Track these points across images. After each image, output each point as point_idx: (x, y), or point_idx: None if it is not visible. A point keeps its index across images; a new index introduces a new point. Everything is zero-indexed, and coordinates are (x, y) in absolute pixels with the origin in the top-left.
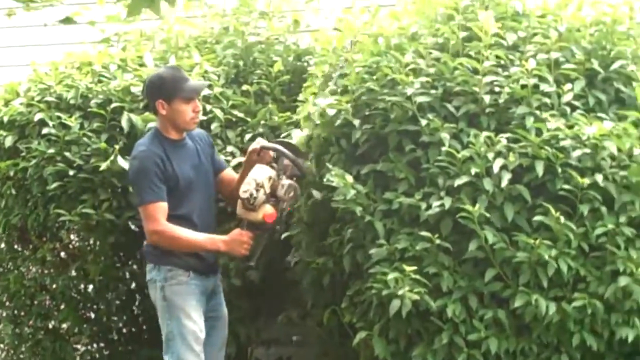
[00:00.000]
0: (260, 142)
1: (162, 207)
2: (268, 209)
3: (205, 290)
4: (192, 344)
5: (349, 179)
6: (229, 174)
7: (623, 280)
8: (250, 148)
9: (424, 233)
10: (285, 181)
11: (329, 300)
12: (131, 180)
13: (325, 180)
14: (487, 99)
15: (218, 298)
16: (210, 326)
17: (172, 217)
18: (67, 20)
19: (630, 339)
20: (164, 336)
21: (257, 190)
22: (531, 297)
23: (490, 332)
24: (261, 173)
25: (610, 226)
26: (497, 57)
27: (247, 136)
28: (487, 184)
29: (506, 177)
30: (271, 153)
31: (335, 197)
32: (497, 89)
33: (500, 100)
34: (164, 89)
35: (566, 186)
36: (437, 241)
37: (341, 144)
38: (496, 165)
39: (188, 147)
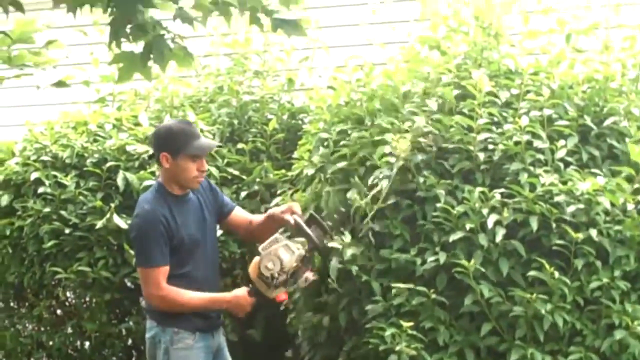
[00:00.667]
0: (297, 219)
1: (164, 271)
2: (282, 292)
3: (211, 350)
4: None
5: (347, 239)
6: (239, 215)
7: (619, 334)
8: (286, 215)
9: (420, 288)
10: (310, 275)
11: (325, 356)
12: (134, 239)
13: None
14: (481, 156)
15: (223, 354)
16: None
17: (174, 276)
18: (60, 84)
19: None
20: None
21: (279, 275)
22: (527, 351)
23: None
24: (290, 258)
25: (605, 280)
26: (491, 114)
27: (243, 193)
28: (482, 239)
29: (500, 232)
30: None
31: (332, 257)
32: (491, 146)
33: (495, 157)
34: (171, 142)
35: (560, 241)
36: (433, 296)
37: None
38: (490, 221)
39: (192, 202)
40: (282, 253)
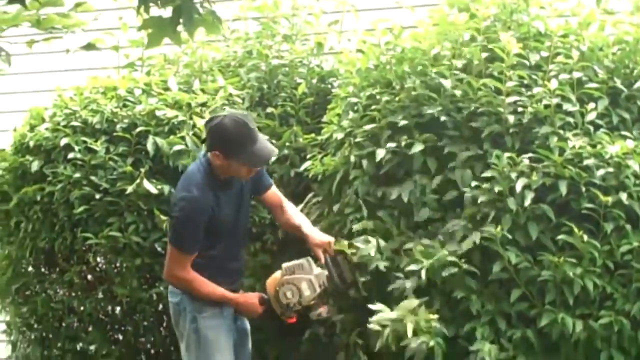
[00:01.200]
0: (327, 258)
1: (190, 258)
2: (292, 317)
3: (233, 313)
4: None
5: (373, 242)
6: (273, 196)
7: None
8: (319, 251)
9: (450, 258)
10: (324, 311)
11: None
12: (176, 219)
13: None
14: (511, 119)
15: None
16: (240, 338)
17: (201, 257)
18: (89, 47)
19: None
20: None
21: (295, 306)
22: (557, 316)
23: (519, 351)
24: (310, 294)
25: (635, 244)
26: (520, 77)
27: (272, 158)
28: (511, 203)
29: (529, 196)
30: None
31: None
32: (520, 109)
33: (524, 120)
34: (224, 145)
35: (590, 205)
36: (464, 265)
37: (363, 164)
38: (519, 185)
39: (234, 186)
40: (304, 287)
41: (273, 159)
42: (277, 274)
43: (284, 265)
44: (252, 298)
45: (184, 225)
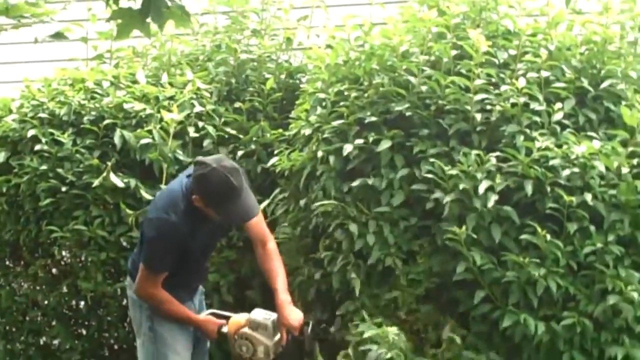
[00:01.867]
0: (307, 335)
1: (162, 276)
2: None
3: (191, 305)
4: None
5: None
6: (256, 227)
7: (612, 299)
8: (293, 323)
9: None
10: None
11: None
12: (148, 238)
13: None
14: (478, 117)
15: (202, 309)
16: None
17: (167, 277)
18: (58, 36)
19: (619, 357)
20: None
21: (254, 348)
22: (520, 317)
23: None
24: (265, 357)
25: (599, 245)
26: (488, 75)
27: (240, 153)
28: (476, 203)
29: (492, 198)
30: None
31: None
32: (488, 107)
33: (492, 119)
34: (206, 197)
35: (554, 205)
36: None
37: (330, 160)
38: (482, 187)
39: (214, 221)
40: (260, 351)
41: (198, 107)
42: (242, 319)
43: (251, 316)
44: (212, 325)
45: (155, 246)
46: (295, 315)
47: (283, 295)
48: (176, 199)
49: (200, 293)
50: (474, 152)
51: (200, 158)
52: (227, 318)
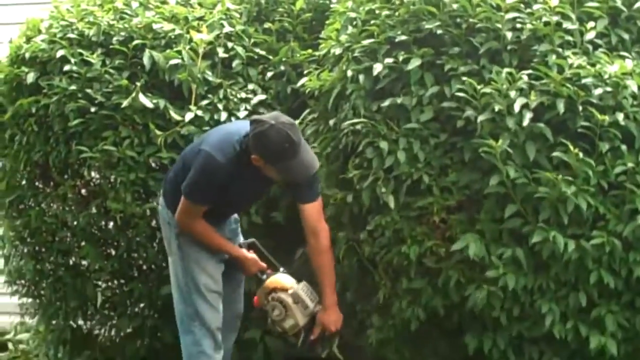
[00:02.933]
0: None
1: (202, 209)
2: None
3: (222, 234)
4: (207, 296)
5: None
6: (309, 212)
7: None
8: (329, 324)
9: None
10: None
11: (348, 236)
12: (195, 170)
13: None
14: (509, 35)
15: (236, 241)
16: (230, 267)
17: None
18: None
19: None
20: (175, 286)
21: (270, 319)
22: (549, 234)
23: (509, 269)
24: (289, 328)
25: (630, 165)
26: None
27: (269, 74)
28: (510, 122)
29: (528, 115)
30: None
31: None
32: (519, 26)
33: (523, 37)
34: (266, 154)
35: (586, 123)
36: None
37: (360, 79)
38: (517, 105)
39: (262, 174)
40: (287, 323)
41: (228, 28)
42: (287, 283)
43: (298, 289)
44: (255, 267)
45: (199, 179)
46: (335, 318)
47: (330, 296)
48: (230, 142)
49: (235, 221)
50: (506, 70)
51: (256, 116)
52: (269, 263)
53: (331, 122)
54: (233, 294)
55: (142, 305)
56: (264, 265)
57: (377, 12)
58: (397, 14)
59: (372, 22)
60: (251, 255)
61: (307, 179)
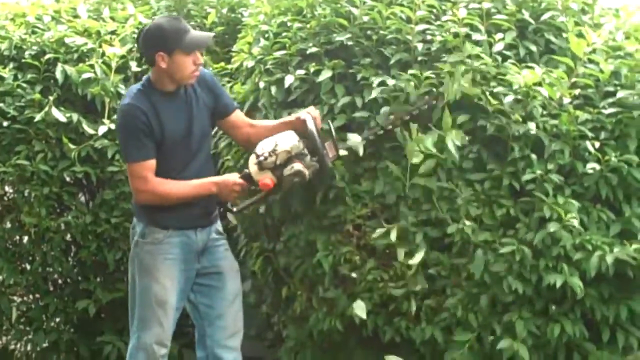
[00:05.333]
0: (309, 123)
1: (148, 165)
2: (267, 178)
3: (190, 248)
4: (154, 306)
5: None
6: (239, 117)
7: (552, 227)
8: (302, 116)
9: None
10: (297, 165)
11: (262, 248)
12: (118, 132)
13: None
14: (419, 47)
15: (217, 253)
16: (215, 280)
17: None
18: None
19: (558, 284)
20: (129, 297)
21: (270, 156)
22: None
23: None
24: (286, 142)
25: (539, 172)
26: (430, 6)
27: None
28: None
29: None
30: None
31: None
32: (429, 38)
33: (433, 49)
34: (165, 41)
35: (497, 134)
36: None
37: (272, 91)
38: None
39: (180, 99)
40: (280, 136)
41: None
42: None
43: (282, 145)
44: (229, 175)
45: (124, 134)
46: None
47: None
48: (130, 90)
49: (215, 232)
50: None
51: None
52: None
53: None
54: (229, 309)
55: (57, 319)
56: (236, 173)
57: (288, 24)
58: (308, 26)
59: (284, 34)
60: (216, 179)
61: (207, 42)
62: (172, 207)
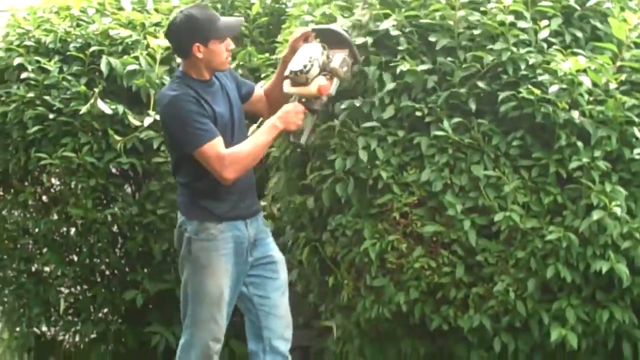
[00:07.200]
0: (310, 26)
1: (219, 142)
2: (322, 81)
3: (241, 240)
4: (208, 303)
5: None
6: (257, 91)
7: (597, 214)
8: (297, 34)
9: None
10: (338, 55)
11: (309, 238)
12: (170, 127)
13: None
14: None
15: (267, 244)
16: (269, 271)
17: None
18: None
19: (604, 271)
20: (182, 293)
21: (311, 64)
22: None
23: None
24: (313, 49)
25: (586, 160)
26: None
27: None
28: None
29: None
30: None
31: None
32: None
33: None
34: (200, 31)
35: (543, 122)
36: None
37: None
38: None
39: (216, 86)
40: (303, 50)
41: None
42: (285, 81)
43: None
44: (285, 106)
45: (179, 123)
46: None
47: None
48: (167, 88)
49: (263, 223)
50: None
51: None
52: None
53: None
54: (283, 298)
55: (105, 310)
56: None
57: (333, 15)
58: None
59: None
60: (276, 115)
61: (239, 26)
62: (226, 197)
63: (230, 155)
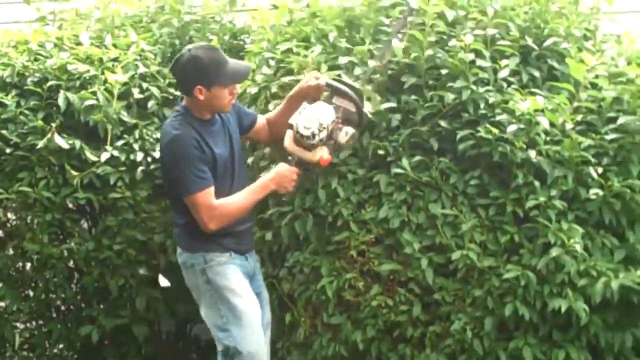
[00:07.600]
0: (324, 79)
1: (211, 192)
2: (325, 153)
3: (246, 270)
4: (249, 322)
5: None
6: (260, 121)
7: (555, 252)
8: (310, 82)
9: None
10: (348, 128)
11: (267, 274)
12: (168, 167)
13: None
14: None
15: (258, 280)
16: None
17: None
18: None
19: (563, 309)
20: (214, 324)
21: (320, 131)
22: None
23: None
24: (326, 115)
25: (542, 199)
26: (438, 33)
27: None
28: None
29: None
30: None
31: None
32: (438, 62)
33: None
34: (204, 75)
35: (500, 160)
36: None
37: None
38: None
39: (218, 125)
40: (315, 111)
41: (142, 68)
42: (288, 132)
43: (289, 120)
44: (279, 167)
45: (182, 165)
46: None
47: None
48: (169, 123)
49: (256, 259)
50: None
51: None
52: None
53: (250, 160)
54: (265, 337)
55: (60, 346)
56: (283, 163)
57: (295, 50)
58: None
59: (290, 60)
60: (270, 174)
61: (247, 74)
62: (231, 232)
63: (221, 207)
